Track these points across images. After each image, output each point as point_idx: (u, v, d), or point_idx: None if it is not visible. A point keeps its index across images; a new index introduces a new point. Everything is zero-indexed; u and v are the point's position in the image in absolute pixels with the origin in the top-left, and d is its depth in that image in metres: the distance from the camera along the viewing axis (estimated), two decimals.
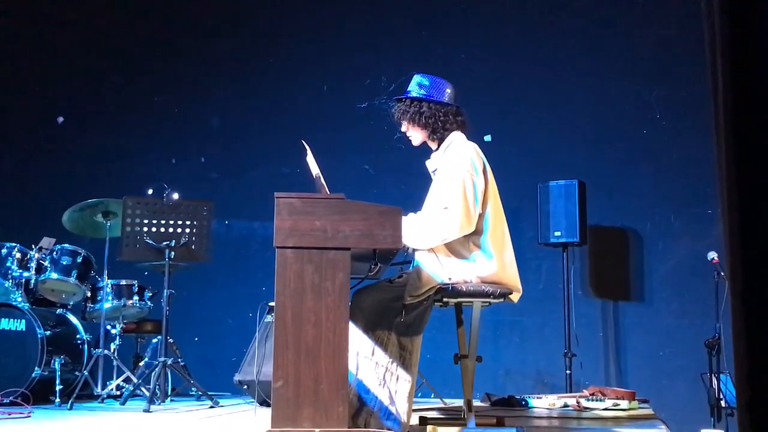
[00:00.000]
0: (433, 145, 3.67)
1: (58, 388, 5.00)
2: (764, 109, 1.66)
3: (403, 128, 3.69)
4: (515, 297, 3.52)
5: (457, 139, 3.59)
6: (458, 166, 3.45)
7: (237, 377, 5.14)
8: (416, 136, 3.67)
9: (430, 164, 3.68)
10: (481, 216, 3.45)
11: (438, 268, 3.41)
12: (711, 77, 1.77)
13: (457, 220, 3.35)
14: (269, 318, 5.07)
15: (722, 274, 5.20)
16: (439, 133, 3.61)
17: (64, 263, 5.42)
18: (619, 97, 6.23)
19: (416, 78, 3.68)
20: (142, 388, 5.16)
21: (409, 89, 3.68)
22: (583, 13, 6.36)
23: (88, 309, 5.60)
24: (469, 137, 3.65)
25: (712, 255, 5.34)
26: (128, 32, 7.17)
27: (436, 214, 3.39)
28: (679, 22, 5.96)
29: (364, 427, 3.23)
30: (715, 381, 5.15)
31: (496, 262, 3.44)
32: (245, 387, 5.13)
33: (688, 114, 5.95)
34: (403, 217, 3.43)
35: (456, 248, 3.43)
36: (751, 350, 1.64)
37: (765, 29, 1.66)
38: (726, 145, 1.71)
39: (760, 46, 1.66)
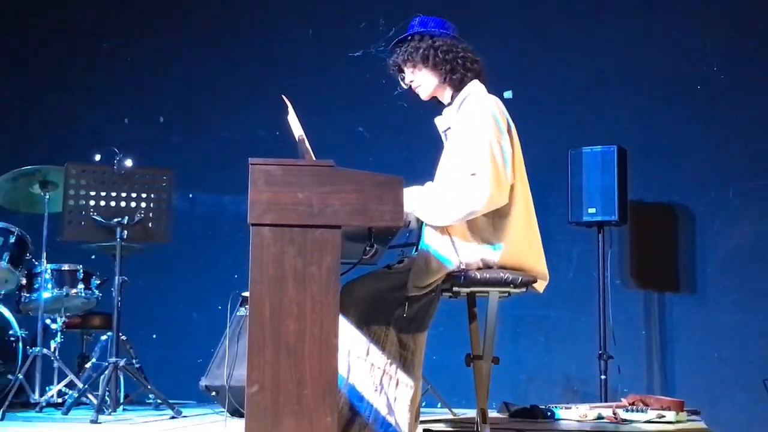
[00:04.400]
0: (445, 97, 3.60)
1: None
2: None
3: (409, 77, 3.60)
4: (540, 286, 3.52)
5: (475, 90, 3.53)
6: (482, 125, 3.38)
7: (204, 382, 5.16)
8: (427, 82, 3.57)
9: (440, 122, 3.62)
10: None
11: (450, 252, 3.39)
12: None
13: (487, 189, 3.29)
14: (242, 311, 5.09)
15: None
16: (458, 74, 3.52)
17: None
18: (667, 44, 6.21)
19: (416, 19, 3.63)
20: (89, 395, 5.18)
21: (410, 31, 3.62)
22: None
23: (23, 299, 5.61)
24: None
25: None
26: None
27: (461, 181, 3.32)
28: None
29: None
30: None
31: (518, 244, 3.42)
32: (213, 393, 5.16)
33: (753, 66, 5.93)
34: (417, 187, 3.43)
35: (480, 227, 3.39)
36: None
37: None
38: None
39: None
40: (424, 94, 3.62)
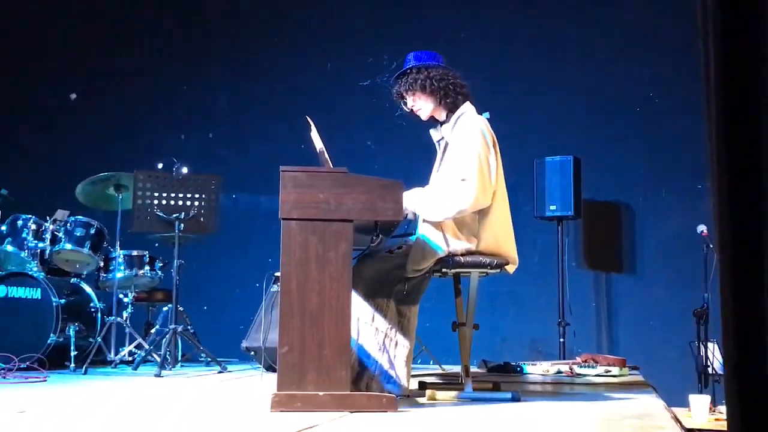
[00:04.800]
0: (441, 116, 3.55)
1: (72, 354, 5.02)
2: (754, 85, 1.66)
3: (410, 103, 3.55)
4: (511, 268, 3.52)
5: (468, 110, 3.50)
6: (474, 140, 3.36)
7: (244, 344, 5.16)
8: (426, 106, 3.53)
9: (435, 133, 3.58)
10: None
11: (441, 242, 3.38)
12: (703, 57, 1.77)
13: (473, 193, 3.28)
14: (275, 288, 5.08)
15: (711, 246, 5.21)
16: (451, 98, 3.47)
17: (78, 234, 5.43)
18: (613, 76, 6.21)
19: (411, 54, 3.59)
20: (154, 354, 5.19)
21: (407, 65, 3.59)
22: None
23: (101, 278, 5.61)
24: None
25: (702, 228, 5.35)
26: (139, 11, 7.16)
27: (453, 185, 3.31)
28: (673, 2, 5.92)
29: (366, 391, 3.24)
30: (702, 349, 5.18)
31: (496, 236, 3.42)
32: (252, 353, 5.16)
33: (680, 93, 5.92)
34: (419, 189, 3.41)
35: (467, 223, 3.38)
36: (738, 317, 1.65)
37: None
38: (715, 120, 1.71)
39: (750, 23, 1.65)
40: (424, 116, 3.58)
